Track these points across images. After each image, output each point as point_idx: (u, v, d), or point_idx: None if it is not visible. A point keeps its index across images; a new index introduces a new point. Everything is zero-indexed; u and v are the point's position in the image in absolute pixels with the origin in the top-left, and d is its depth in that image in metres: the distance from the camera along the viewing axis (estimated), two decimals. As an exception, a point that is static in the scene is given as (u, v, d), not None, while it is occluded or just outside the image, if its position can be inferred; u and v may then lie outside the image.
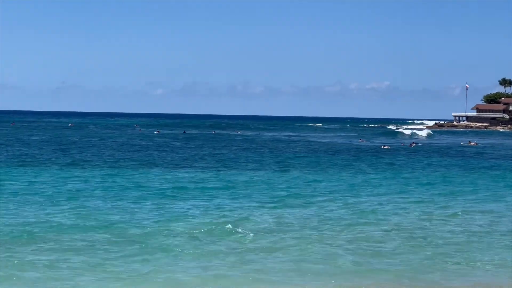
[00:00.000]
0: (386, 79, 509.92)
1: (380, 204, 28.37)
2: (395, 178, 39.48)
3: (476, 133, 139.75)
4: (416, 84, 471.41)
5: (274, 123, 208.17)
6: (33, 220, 22.74)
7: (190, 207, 26.50)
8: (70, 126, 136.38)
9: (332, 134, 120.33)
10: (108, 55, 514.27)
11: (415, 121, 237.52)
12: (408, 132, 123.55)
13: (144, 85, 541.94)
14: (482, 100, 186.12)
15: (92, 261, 17.45)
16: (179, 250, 18.74)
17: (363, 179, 38.45)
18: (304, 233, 21.62)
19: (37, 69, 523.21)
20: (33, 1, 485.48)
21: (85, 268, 16.81)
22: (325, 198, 29.96)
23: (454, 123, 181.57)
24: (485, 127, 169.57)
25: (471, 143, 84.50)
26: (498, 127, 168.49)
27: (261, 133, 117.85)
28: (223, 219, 23.49)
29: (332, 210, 26.51)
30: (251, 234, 20.86)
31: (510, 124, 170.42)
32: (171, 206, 26.68)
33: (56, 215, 23.81)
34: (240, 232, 21.08)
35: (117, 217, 23.69)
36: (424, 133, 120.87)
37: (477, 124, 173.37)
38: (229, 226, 21.91)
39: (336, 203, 28.42)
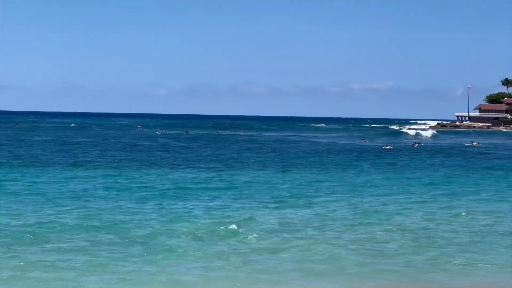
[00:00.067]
0: (388, 80, 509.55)
1: (383, 204, 28.37)
2: (398, 178, 39.49)
3: (479, 133, 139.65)
4: (419, 84, 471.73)
5: (277, 123, 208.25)
6: (35, 220, 22.77)
7: (193, 207, 26.51)
8: (73, 126, 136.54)
9: (335, 135, 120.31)
10: (110, 55, 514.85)
11: (418, 122, 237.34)
12: (412, 132, 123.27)
13: (147, 86, 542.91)
14: (484, 100, 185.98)
15: (95, 261, 17.46)
16: (182, 250, 18.76)
17: (366, 179, 38.46)
18: (307, 233, 21.63)
19: (39, 69, 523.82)
20: (35, 1, 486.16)
21: (88, 268, 16.82)
22: (328, 198, 29.97)
23: (457, 123, 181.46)
24: (488, 127, 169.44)
25: (474, 143, 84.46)
26: (501, 127, 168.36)
27: (264, 134, 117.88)
28: (226, 220, 23.51)
29: (335, 210, 26.52)
30: (254, 235, 20.87)
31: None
32: (173, 206, 26.70)
33: (59, 215, 23.84)
34: (243, 233, 21.08)
35: (120, 218, 23.72)
36: (429, 133, 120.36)
37: (480, 124, 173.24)
38: (232, 226, 21.93)
39: (339, 203, 28.43)
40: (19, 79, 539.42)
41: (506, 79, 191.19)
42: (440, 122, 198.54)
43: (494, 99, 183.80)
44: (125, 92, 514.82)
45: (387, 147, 73.63)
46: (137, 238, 20.31)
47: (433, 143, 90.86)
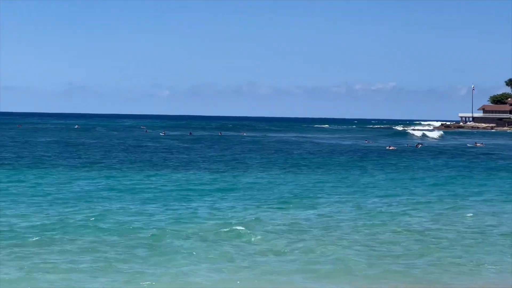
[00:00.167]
0: (392, 80, 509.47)
1: (387, 205, 28.37)
2: (402, 179, 39.47)
3: (483, 134, 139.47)
4: (422, 85, 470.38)
5: (280, 124, 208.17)
6: (40, 222, 22.79)
7: (197, 208, 26.52)
8: (77, 128, 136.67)
9: (338, 135, 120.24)
10: (114, 56, 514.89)
11: (422, 122, 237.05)
12: (419, 133, 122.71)
13: (150, 87, 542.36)
14: (488, 100, 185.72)
15: (100, 262, 17.47)
16: (187, 251, 18.75)
17: (370, 180, 38.46)
18: (313, 234, 21.63)
19: (44, 71, 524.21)
20: (40, 2, 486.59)
21: (93, 269, 16.83)
22: (332, 199, 29.97)
23: (461, 124, 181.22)
24: (492, 128, 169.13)
25: (477, 144, 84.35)
26: (505, 128, 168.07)
27: (268, 134, 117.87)
28: (230, 221, 23.51)
29: (340, 211, 26.52)
30: (259, 236, 20.88)
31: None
32: (178, 207, 26.72)
33: (63, 216, 23.85)
34: (248, 234, 21.08)
35: (124, 219, 23.73)
36: (435, 134, 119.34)
37: (484, 125, 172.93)
38: (238, 227, 21.92)
39: (343, 204, 28.43)
40: (22, 81, 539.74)
41: (510, 80, 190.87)
42: (444, 122, 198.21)
43: (498, 99, 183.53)
44: (129, 93, 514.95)
45: (391, 148, 73.61)
46: (142, 239, 20.32)
47: (436, 144, 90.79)
